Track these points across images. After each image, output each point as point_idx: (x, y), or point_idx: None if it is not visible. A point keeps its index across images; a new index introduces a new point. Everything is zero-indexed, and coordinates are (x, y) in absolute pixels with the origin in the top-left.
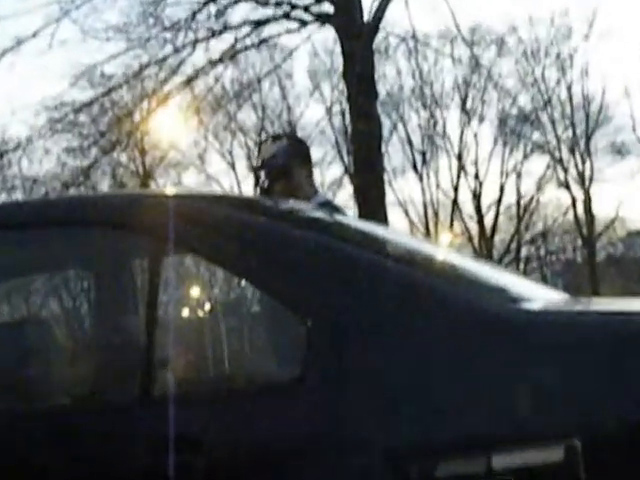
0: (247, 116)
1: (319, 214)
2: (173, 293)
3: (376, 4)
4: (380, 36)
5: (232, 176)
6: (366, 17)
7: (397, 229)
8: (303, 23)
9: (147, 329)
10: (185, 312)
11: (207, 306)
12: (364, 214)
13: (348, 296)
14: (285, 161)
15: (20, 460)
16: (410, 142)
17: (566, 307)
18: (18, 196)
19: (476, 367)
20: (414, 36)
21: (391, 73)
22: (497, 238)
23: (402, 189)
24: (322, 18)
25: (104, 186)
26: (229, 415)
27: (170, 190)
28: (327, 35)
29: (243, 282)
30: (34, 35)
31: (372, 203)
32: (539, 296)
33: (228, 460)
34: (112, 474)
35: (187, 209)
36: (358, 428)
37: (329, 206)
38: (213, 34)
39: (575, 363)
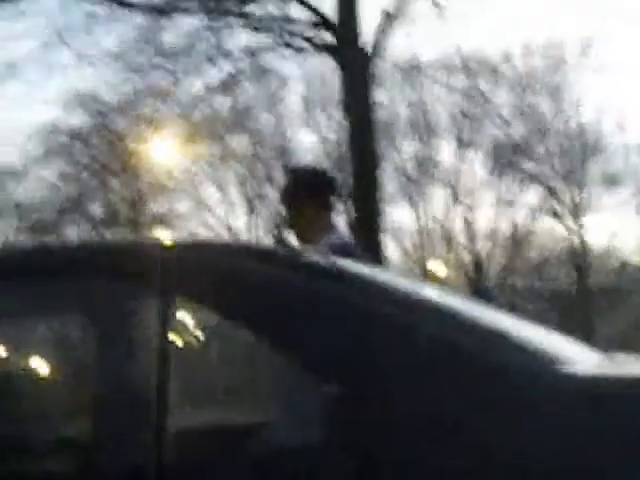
0: (241, 143)
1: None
2: (176, 346)
3: (376, 34)
4: (381, 66)
5: (224, 204)
6: (367, 47)
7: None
8: (302, 51)
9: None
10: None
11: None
12: (360, 243)
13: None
14: (291, 195)
15: None
16: (404, 171)
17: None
18: (11, 221)
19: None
20: (417, 66)
21: (385, 101)
22: (491, 269)
23: (395, 218)
24: (324, 48)
25: (97, 213)
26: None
27: (180, 239)
28: (323, 64)
29: (258, 340)
30: (28, 60)
31: (368, 232)
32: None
33: None
34: None
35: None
36: None
37: (344, 246)
38: (212, 61)
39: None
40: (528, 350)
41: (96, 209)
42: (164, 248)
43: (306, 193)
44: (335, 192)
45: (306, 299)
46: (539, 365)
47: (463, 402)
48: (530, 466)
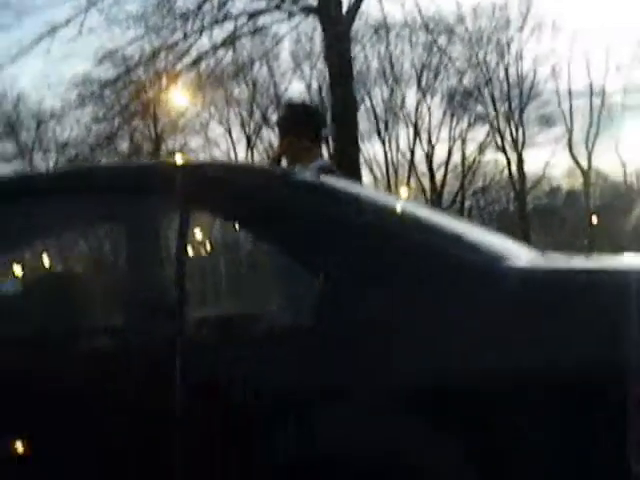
0: (241, 90)
1: (324, 183)
2: (197, 249)
3: None
4: (356, 26)
5: (228, 140)
6: (344, 9)
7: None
8: (291, 14)
9: (179, 280)
10: (212, 267)
11: (231, 262)
12: (342, 172)
13: (352, 254)
14: (287, 125)
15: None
16: (375, 113)
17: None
18: (52, 156)
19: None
20: (386, 26)
21: (360, 56)
22: (445, 192)
23: (368, 151)
24: (308, 10)
25: (124, 148)
26: (251, 357)
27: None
28: (310, 24)
29: (266, 242)
30: (66, 23)
31: (348, 163)
32: (517, 254)
33: (247, 398)
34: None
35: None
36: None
37: (327, 170)
38: (217, 22)
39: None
40: (481, 249)
41: (123, 146)
42: (182, 167)
43: (300, 125)
44: (323, 126)
45: (298, 207)
46: (490, 260)
47: (433, 290)
48: (484, 331)
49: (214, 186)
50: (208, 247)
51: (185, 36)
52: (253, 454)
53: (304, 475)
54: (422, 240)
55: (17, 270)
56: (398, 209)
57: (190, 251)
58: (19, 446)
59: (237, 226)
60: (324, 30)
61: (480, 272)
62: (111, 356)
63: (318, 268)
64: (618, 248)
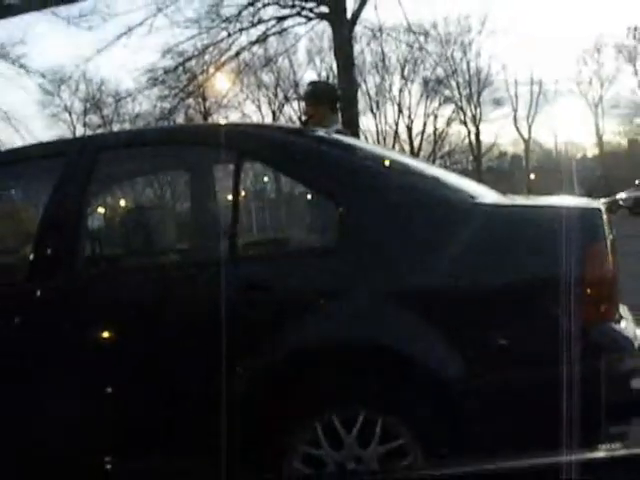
0: (269, 77)
1: (339, 139)
2: (249, 188)
3: (356, 6)
4: (357, 28)
5: (258, 115)
6: (349, 15)
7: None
8: (309, 19)
9: (232, 213)
10: (255, 201)
11: (270, 197)
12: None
13: (365, 193)
14: (313, 98)
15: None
16: (369, 95)
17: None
18: (126, 126)
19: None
20: (380, 28)
21: (358, 51)
22: (421, 155)
23: (363, 124)
24: (322, 16)
25: (180, 120)
26: (287, 268)
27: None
28: (321, 27)
29: (294, 181)
30: (140, 24)
31: (350, 132)
32: (485, 194)
33: (287, 299)
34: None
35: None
36: (369, 279)
37: (341, 132)
38: (252, 24)
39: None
40: (459, 189)
41: (179, 119)
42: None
43: (322, 97)
44: (338, 99)
45: (323, 155)
46: (465, 197)
47: (424, 224)
48: (463, 258)
49: (260, 141)
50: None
51: (228, 35)
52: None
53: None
54: (415, 181)
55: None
56: (394, 157)
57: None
58: None
59: (278, 171)
60: (334, 32)
61: (463, 207)
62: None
63: (340, 201)
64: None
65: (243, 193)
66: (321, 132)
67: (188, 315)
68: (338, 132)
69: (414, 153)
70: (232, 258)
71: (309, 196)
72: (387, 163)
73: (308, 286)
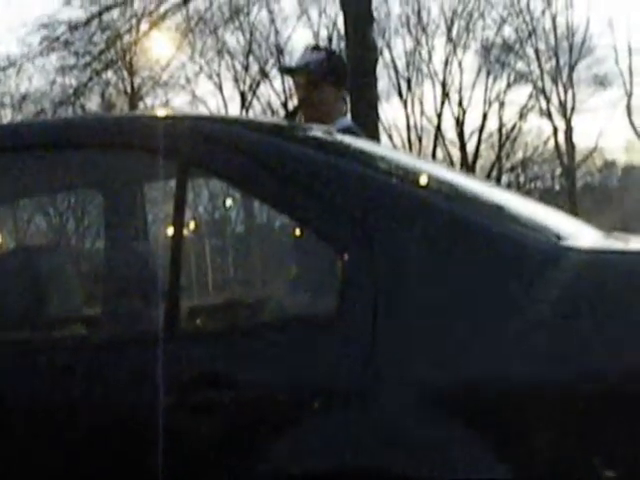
0: (235, 38)
1: (348, 143)
2: (194, 217)
3: None
4: None
5: (219, 98)
6: None
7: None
8: None
9: (171, 258)
10: (209, 238)
11: (235, 232)
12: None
13: (385, 230)
14: (318, 73)
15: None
16: (396, 69)
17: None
18: (7, 113)
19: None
20: None
21: None
22: (478, 165)
23: (387, 114)
24: None
25: (93, 105)
26: (258, 349)
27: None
28: None
29: (275, 210)
30: None
31: (365, 127)
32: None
33: (256, 396)
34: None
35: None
36: (392, 364)
37: (351, 128)
38: None
39: None
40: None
41: (92, 103)
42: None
43: (335, 78)
44: (346, 77)
45: (320, 170)
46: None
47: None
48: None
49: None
50: None
51: None
52: None
53: None
54: (469, 214)
55: None
56: (435, 173)
57: None
58: None
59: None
60: None
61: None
62: None
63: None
64: None
65: (191, 226)
66: (318, 130)
67: (89, 433)
68: (346, 130)
69: (467, 162)
70: (170, 335)
71: (295, 233)
72: (423, 182)
73: (294, 382)
